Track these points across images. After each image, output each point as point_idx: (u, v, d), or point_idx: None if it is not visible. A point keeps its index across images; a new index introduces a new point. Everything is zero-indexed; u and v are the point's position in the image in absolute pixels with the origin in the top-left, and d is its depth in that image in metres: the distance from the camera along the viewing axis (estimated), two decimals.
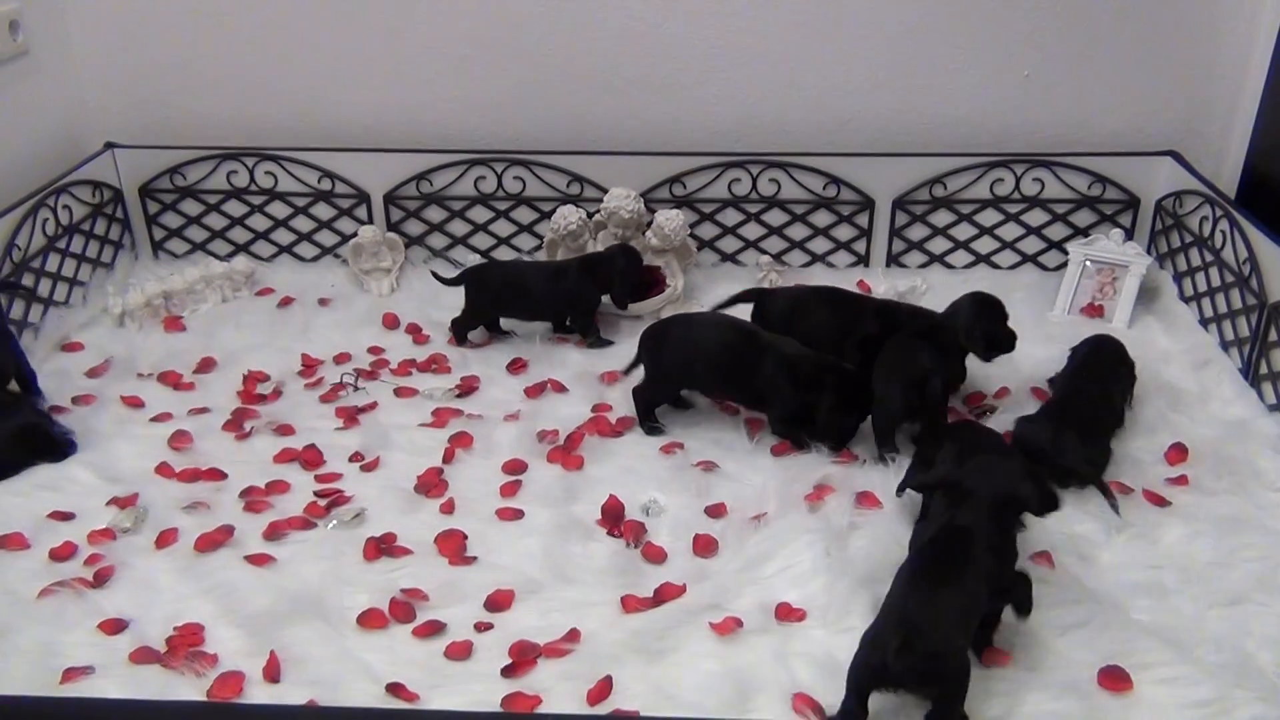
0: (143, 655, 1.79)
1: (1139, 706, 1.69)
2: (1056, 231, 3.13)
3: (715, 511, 2.14)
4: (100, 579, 1.96)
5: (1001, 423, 2.36)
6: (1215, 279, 2.76)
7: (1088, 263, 2.94)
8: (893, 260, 3.16)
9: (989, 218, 3.13)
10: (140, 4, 3.07)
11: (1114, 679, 1.73)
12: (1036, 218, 3.12)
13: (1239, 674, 1.73)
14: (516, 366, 2.67)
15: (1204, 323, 2.79)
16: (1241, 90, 2.98)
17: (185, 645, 1.81)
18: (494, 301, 2.77)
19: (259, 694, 1.73)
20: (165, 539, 2.06)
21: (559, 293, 2.75)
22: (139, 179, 3.17)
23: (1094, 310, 2.91)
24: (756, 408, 2.39)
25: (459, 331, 2.78)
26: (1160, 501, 2.15)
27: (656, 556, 2.03)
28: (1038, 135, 3.11)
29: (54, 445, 2.28)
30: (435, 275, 2.89)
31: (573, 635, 1.83)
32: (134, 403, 2.49)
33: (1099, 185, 3.08)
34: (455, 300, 2.98)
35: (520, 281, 2.77)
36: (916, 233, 3.14)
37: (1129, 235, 3.08)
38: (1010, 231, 3.13)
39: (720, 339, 2.36)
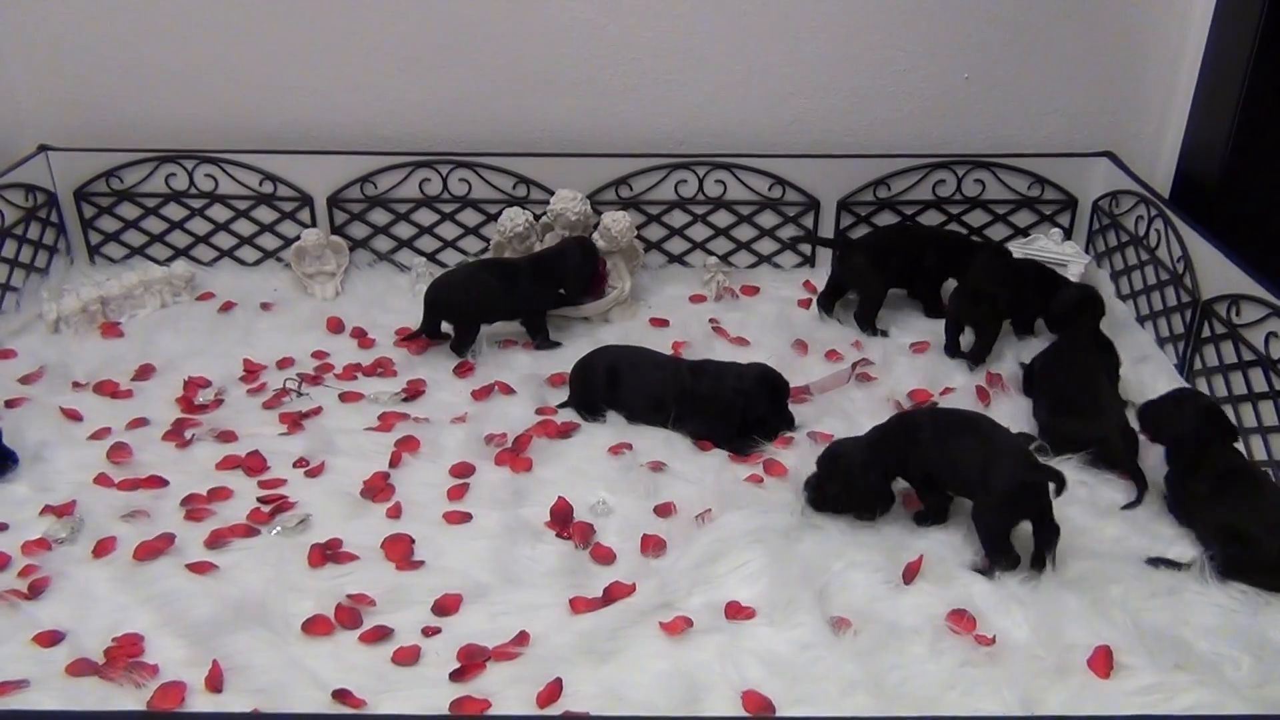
0: (80, 667, 1.75)
1: (1082, 694, 1.72)
2: (997, 231, 3.18)
3: (664, 511, 2.14)
4: (35, 590, 1.91)
5: None
6: (1151, 277, 2.82)
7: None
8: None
9: (932, 218, 3.17)
10: (74, 2, 3.00)
11: (1100, 663, 1.77)
12: (978, 218, 3.17)
13: (1179, 661, 1.77)
14: (463, 369, 2.65)
15: (1141, 320, 2.85)
16: (1174, 93, 3.06)
17: (124, 656, 1.77)
18: (473, 308, 2.69)
19: (201, 704, 1.70)
20: (103, 548, 2.01)
21: (514, 293, 2.72)
22: (74, 182, 3.11)
23: None
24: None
25: (461, 349, 2.69)
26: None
27: (605, 557, 2.02)
28: (978, 137, 3.16)
29: None
30: (415, 333, 2.74)
31: (522, 638, 1.82)
32: (72, 415, 2.43)
33: (1038, 186, 3.14)
34: (400, 304, 2.97)
35: (479, 283, 2.70)
36: (861, 233, 3.16)
37: (1067, 234, 3.14)
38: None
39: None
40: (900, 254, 2.86)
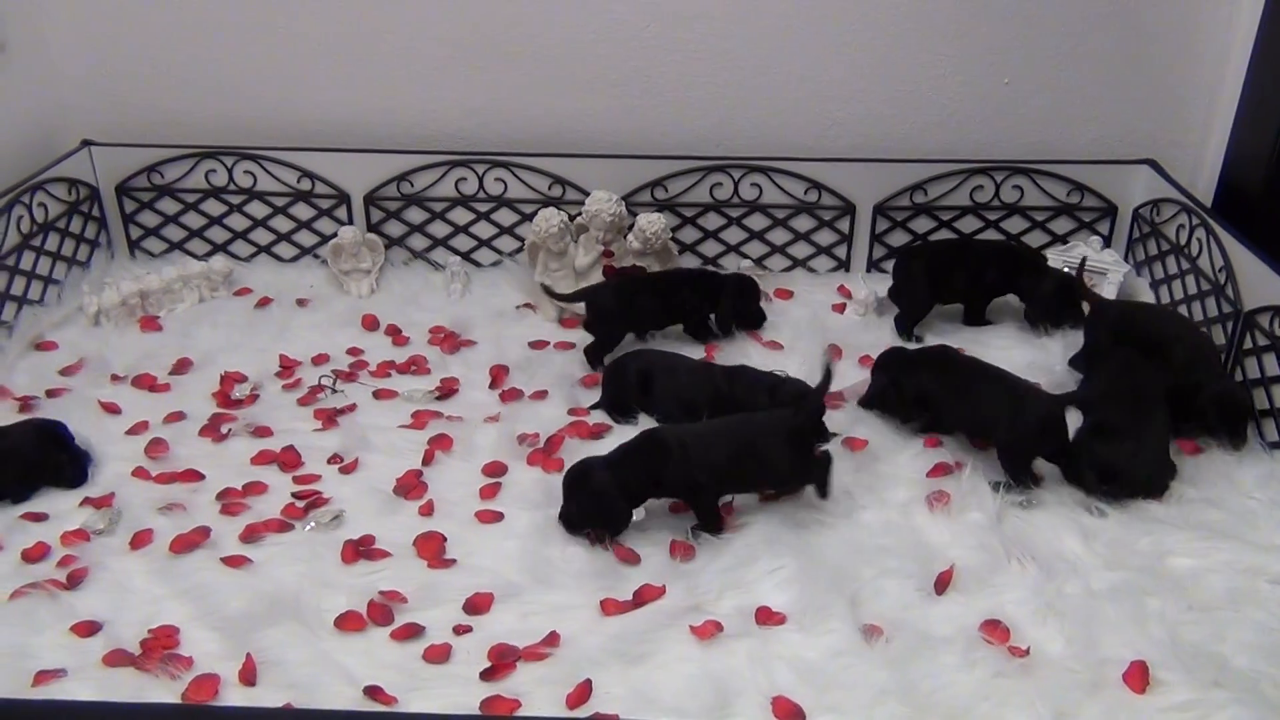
0: (116, 658, 1.77)
1: (1116, 709, 1.70)
2: (1035, 238, 3.15)
3: None
4: (73, 580, 1.94)
5: None
6: (1191, 286, 2.78)
7: (1066, 269, 2.95)
8: (873, 265, 3.17)
9: (969, 224, 3.14)
10: (119, 1, 3.04)
11: (1135, 677, 1.75)
12: (1016, 224, 3.14)
13: (1216, 678, 1.75)
14: (496, 369, 2.66)
15: None
16: (1218, 100, 3.01)
17: (160, 648, 1.79)
18: (622, 323, 2.71)
19: (235, 697, 1.72)
20: (140, 540, 2.04)
21: (673, 303, 2.75)
22: (116, 177, 3.14)
23: None
24: None
25: (595, 357, 2.67)
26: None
27: (635, 560, 2.02)
28: (1017, 143, 3.13)
29: (73, 450, 2.22)
30: (548, 290, 2.80)
31: (552, 638, 1.82)
32: (111, 409, 2.46)
33: (1077, 193, 3.11)
34: (434, 302, 2.98)
35: (637, 300, 2.72)
36: (897, 238, 3.15)
37: (1107, 242, 3.10)
38: (990, 238, 3.15)
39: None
40: (965, 270, 2.82)
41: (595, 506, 2.04)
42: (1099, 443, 2.20)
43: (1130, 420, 2.21)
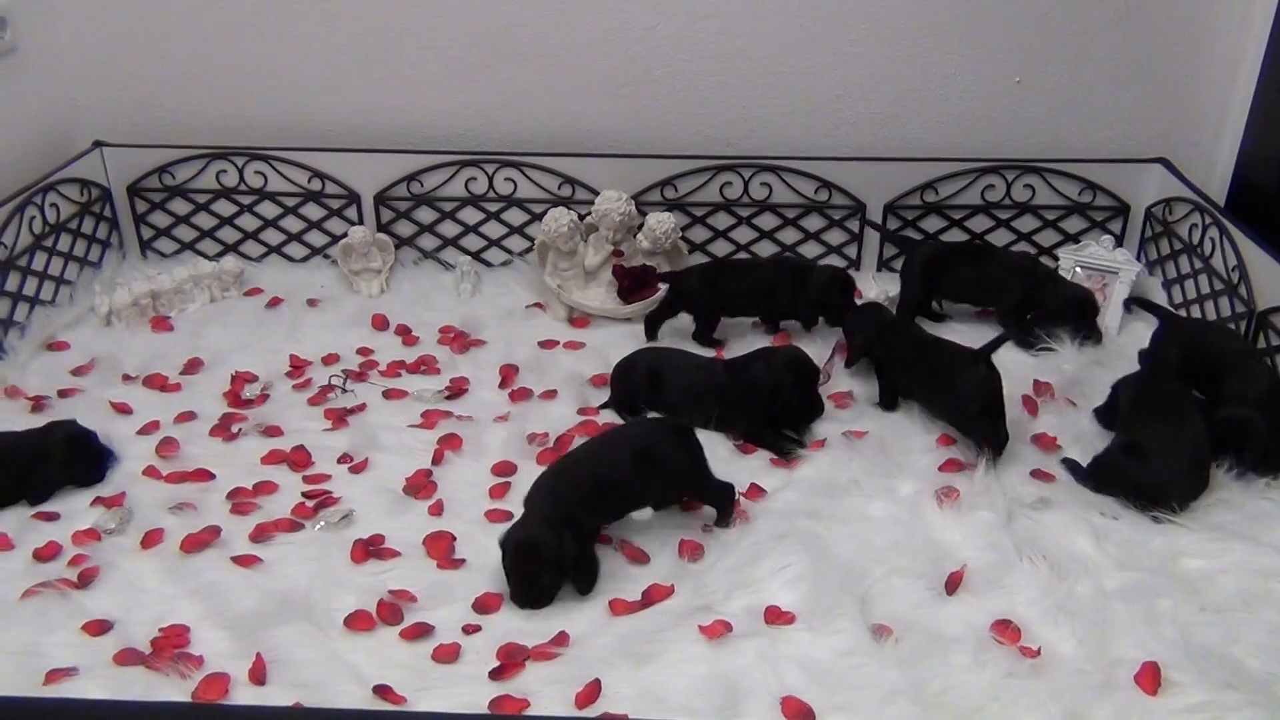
0: (127, 657, 1.77)
1: (1128, 710, 1.69)
2: (1047, 238, 3.14)
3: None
4: (84, 580, 1.94)
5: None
6: (1204, 286, 2.77)
7: (1078, 269, 2.94)
8: (884, 265, 3.17)
9: (980, 223, 3.13)
10: (130, 2, 3.05)
11: (1147, 679, 1.74)
12: (1027, 224, 3.13)
13: (1229, 679, 1.73)
14: (506, 369, 2.66)
15: None
16: (1231, 98, 3.00)
17: (170, 647, 1.79)
18: (718, 303, 2.79)
19: (244, 696, 1.72)
20: (151, 539, 2.04)
21: (760, 289, 2.79)
22: (127, 177, 3.16)
23: None
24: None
25: (703, 339, 2.79)
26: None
27: (644, 559, 2.02)
28: (1029, 141, 3.12)
29: (100, 456, 2.24)
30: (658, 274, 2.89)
31: (561, 638, 1.82)
32: (122, 409, 2.47)
33: (1089, 192, 3.09)
34: (444, 301, 2.99)
35: (730, 280, 2.79)
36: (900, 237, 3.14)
37: (1119, 241, 3.09)
38: (1001, 237, 3.14)
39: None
40: (971, 271, 2.81)
41: (560, 565, 1.90)
42: (1129, 460, 2.15)
43: (1164, 437, 2.15)
